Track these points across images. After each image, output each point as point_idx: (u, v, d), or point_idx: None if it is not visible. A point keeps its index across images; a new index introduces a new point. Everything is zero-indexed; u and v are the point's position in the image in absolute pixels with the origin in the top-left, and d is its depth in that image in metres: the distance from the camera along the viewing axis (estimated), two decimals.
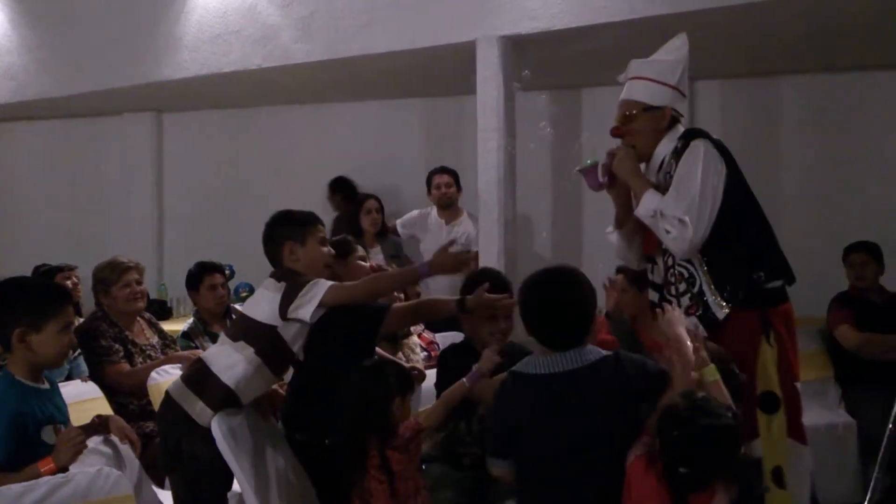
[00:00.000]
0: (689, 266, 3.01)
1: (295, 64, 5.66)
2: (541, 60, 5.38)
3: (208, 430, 2.83)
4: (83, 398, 3.37)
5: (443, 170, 5.58)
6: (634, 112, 3.14)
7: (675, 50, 3.19)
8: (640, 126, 3.13)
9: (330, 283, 2.85)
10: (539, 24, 4.85)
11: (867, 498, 2.86)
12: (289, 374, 3.40)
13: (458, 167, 5.72)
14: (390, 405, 2.69)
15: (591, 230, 6.31)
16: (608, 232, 3.40)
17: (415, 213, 5.76)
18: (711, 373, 2.42)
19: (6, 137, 8.12)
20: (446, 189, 5.54)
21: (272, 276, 2.97)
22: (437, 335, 4.31)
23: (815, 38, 4.95)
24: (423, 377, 3.51)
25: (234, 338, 2.94)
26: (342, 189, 6.37)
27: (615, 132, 3.20)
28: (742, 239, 2.99)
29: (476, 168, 5.30)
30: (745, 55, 5.34)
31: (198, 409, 2.86)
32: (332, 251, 3.07)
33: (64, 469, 2.42)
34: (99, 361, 3.84)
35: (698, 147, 2.99)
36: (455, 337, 4.62)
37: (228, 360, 2.90)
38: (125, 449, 2.92)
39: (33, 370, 2.58)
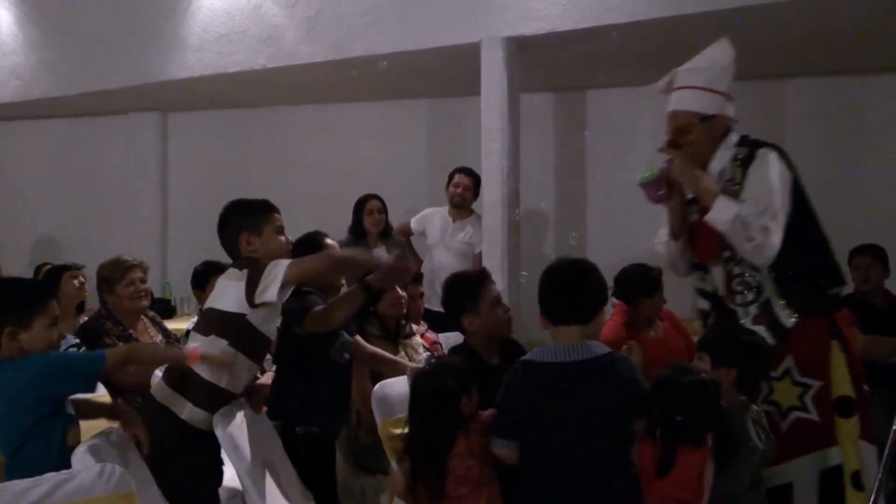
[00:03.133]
0: (756, 275, 2.97)
1: (299, 64, 5.68)
2: (545, 62, 5.39)
3: (195, 430, 2.87)
4: (86, 395, 3.37)
5: (467, 171, 5.61)
6: (689, 123, 3.08)
7: (719, 55, 3.15)
8: (697, 137, 3.07)
9: (287, 261, 2.87)
10: (543, 25, 4.86)
11: (870, 501, 2.86)
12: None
13: None
14: (458, 404, 2.72)
15: (594, 230, 6.32)
16: (657, 242, 3.34)
17: (429, 210, 5.79)
18: None
19: (11, 137, 8.14)
20: (463, 190, 5.58)
21: (234, 265, 2.99)
22: (440, 335, 4.31)
23: (817, 41, 4.95)
24: None
25: (206, 332, 2.93)
26: None
27: (671, 145, 3.13)
28: (807, 248, 2.98)
29: (479, 169, 5.31)
30: (748, 58, 5.27)
31: (186, 410, 2.88)
32: (290, 240, 3.11)
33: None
34: None
35: (768, 156, 2.97)
36: (458, 338, 4.63)
37: None
38: (130, 446, 2.92)
39: None
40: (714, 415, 2.54)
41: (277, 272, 2.81)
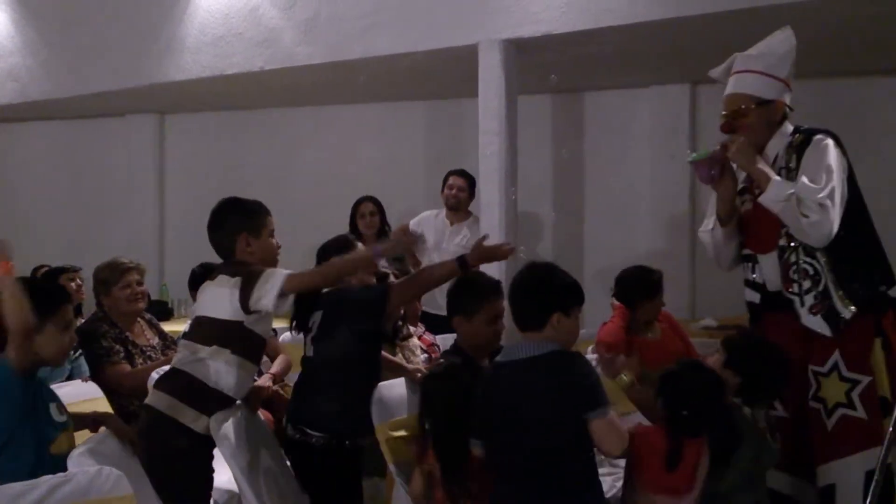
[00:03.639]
0: (814, 263, 2.94)
1: (297, 66, 5.67)
2: (543, 64, 5.39)
3: (199, 436, 2.86)
4: (84, 398, 3.37)
5: (460, 173, 5.61)
6: (746, 107, 3.07)
7: (782, 43, 3.14)
8: (752, 120, 3.07)
9: (286, 272, 2.85)
10: (541, 27, 4.85)
11: (867, 501, 2.85)
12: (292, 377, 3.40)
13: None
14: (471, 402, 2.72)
15: (591, 233, 6.32)
16: (703, 230, 3.30)
17: (427, 212, 5.79)
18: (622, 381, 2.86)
19: (9, 138, 8.14)
20: (458, 192, 5.57)
21: (223, 272, 2.96)
22: (437, 337, 4.31)
23: (816, 44, 4.93)
24: None
25: (206, 342, 2.92)
26: None
27: (725, 128, 3.12)
28: (862, 240, 2.98)
29: (477, 171, 5.31)
30: None
31: (192, 418, 2.87)
32: (279, 244, 3.08)
33: None
34: (99, 362, 3.84)
35: (824, 141, 2.97)
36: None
37: (211, 366, 2.90)
38: (126, 448, 2.92)
39: (31, 369, 2.59)
40: (716, 411, 2.59)
41: (274, 282, 2.80)
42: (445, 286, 5.16)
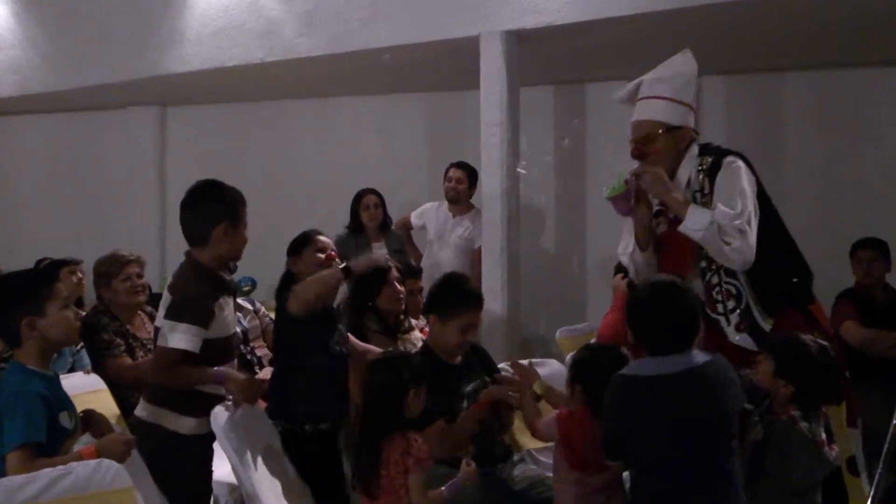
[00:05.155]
0: (735, 282, 3.00)
1: (298, 58, 5.66)
2: (544, 55, 5.37)
3: (190, 438, 2.90)
4: (86, 390, 3.38)
5: (459, 164, 5.60)
6: (655, 133, 3.10)
7: (683, 66, 3.18)
8: (662, 146, 3.10)
9: (185, 342, 2.83)
10: (543, 18, 4.83)
11: (870, 496, 2.86)
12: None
13: None
14: (405, 398, 2.68)
15: (593, 226, 6.30)
16: (621, 254, 3.35)
17: (429, 204, 5.79)
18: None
19: (10, 131, 8.14)
20: (456, 184, 5.56)
21: (171, 286, 2.99)
22: None
23: (819, 34, 4.93)
24: None
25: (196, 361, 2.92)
26: None
27: (635, 153, 3.15)
28: (775, 250, 3.01)
29: (479, 163, 5.29)
30: (750, 51, 5.32)
31: (174, 421, 2.90)
32: (246, 237, 3.07)
33: None
34: (100, 355, 3.84)
35: (735, 163, 3.02)
36: None
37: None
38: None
39: (45, 356, 2.58)
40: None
41: (171, 340, 2.83)
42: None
